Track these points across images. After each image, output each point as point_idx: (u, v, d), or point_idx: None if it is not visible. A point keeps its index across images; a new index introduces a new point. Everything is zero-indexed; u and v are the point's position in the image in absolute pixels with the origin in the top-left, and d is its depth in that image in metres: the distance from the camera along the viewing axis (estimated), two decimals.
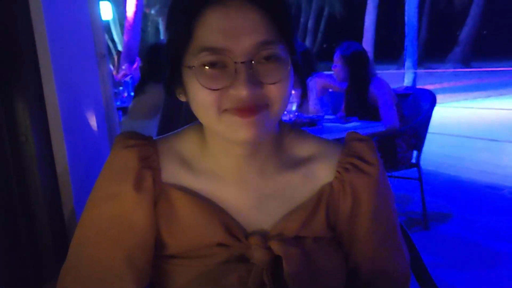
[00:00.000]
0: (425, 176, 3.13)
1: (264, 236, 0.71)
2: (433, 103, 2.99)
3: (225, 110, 0.64)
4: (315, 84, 3.42)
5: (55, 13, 1.07)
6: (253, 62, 0.62)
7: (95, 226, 0.71)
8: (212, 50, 0.62)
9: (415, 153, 3.07)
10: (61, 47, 1.08)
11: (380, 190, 0.75)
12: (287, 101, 0.67)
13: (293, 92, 0.70)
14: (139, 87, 2.93)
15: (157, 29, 21.66)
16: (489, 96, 10.86)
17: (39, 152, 1.06)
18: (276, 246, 0.69)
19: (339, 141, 0.79)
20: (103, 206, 0.71)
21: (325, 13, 25.92)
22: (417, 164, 3.02)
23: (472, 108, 9.29)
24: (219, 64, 0.62)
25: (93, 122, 1.19)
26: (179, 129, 0.78)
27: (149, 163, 0.72)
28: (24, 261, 1.09)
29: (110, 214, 0.71)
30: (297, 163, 0.75)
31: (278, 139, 0.75)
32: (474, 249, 2.73)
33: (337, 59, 3.07)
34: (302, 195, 0.74)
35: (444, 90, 11.75)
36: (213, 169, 0.74)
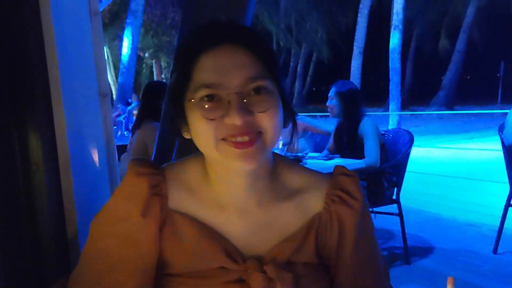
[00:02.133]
0: (408, 213, 3.24)
1: (260, 260, 0.78)
2: (411, 141, 3.14)
3: (222, 139, 0.71)
4: None
5: (67, 57, 1.20)
6: (243, 93, 0.70)
7: (103, 243, 0.78)
8: (208, 85, 0.71)
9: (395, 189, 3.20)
10: (70, 87, 1.20)
11: (362, 222, 0.83)
12: (278, 130, 0.74)
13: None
14: (136, 124, 3.14)
15: (151, 71, 22.09)
16: (472, 138, 11.11)
17: (48, 180, 1.17)
18: (270, 270, 0.76)
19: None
20: (111, 226, 0.78)
21: (314, 58, 26.62)
22: (397, 200, 3.14)
23: (455, 148, 9.50)
24: (215, 97, 0.71)
25: (95, 154, 1.30)
26: (183, 158, 0.85)
27: (158, 191, 0.79)
28: (29, 286, 1.16)
29: (118, 233, 0.77)
30: (290, 194, 0.82)
31: (274, 171, 0.82)
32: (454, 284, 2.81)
33: (332, 95, 3.19)
34: (295, 225, 0.81)
35: (429, 132, 12.06)
36: (215, 199, 0.80)
